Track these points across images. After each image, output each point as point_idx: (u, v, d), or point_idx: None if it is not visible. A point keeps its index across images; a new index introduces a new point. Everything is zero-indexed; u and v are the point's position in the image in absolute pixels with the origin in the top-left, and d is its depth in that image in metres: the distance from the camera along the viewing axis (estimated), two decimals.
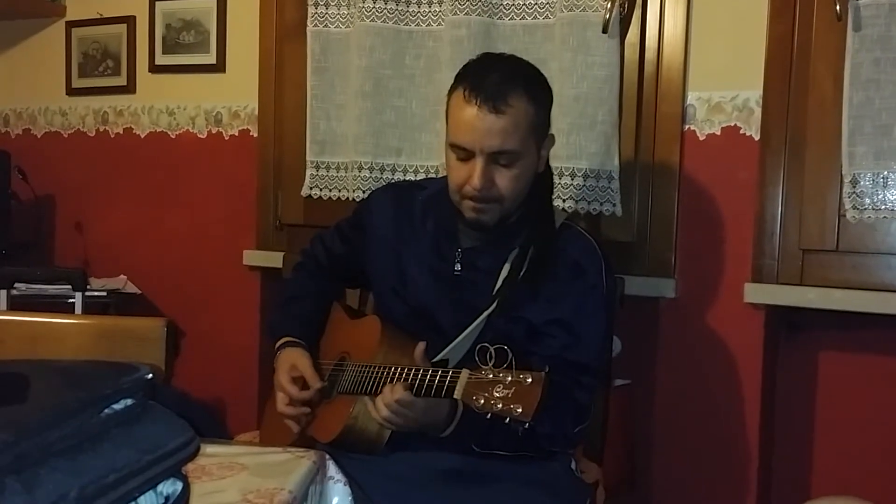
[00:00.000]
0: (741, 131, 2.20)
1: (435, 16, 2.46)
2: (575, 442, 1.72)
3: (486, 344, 1.36)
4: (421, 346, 1.53)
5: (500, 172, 1.59)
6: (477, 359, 1.36)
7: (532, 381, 1.29)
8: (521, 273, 1.64)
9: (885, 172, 2.01)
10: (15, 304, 2.51)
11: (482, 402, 1.32)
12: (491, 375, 1.33)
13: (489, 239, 1.68)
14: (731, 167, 2.21)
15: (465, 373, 1.38)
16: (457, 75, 1.64)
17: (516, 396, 1.29)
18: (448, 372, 1.43)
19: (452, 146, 1.62)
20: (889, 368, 2.14)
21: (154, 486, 0.69)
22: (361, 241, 1.84)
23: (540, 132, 1.63)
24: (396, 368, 1.55)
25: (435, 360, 1.59)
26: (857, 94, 2.00)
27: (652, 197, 2.29)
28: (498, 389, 1.31)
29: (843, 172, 2.04)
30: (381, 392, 1.56)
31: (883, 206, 2.02)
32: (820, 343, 2.22)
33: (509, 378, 1.31)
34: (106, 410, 0.67)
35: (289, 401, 1.71)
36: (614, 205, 2.26)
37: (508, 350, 1.33)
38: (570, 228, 1.73)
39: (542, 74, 1.67)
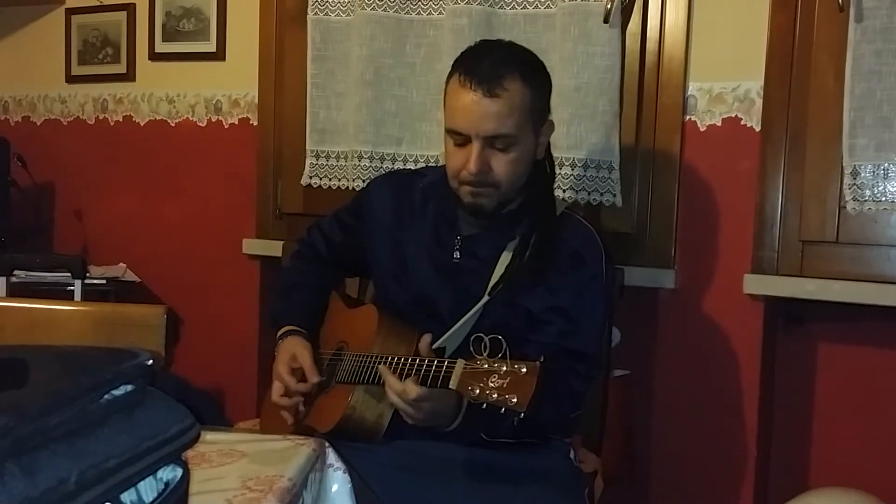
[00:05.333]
0: (742, 122, 2.20)
1: (436, 4, 2.45)
2: (570, 428, 1.73)
3: (480, 334, 1.36)
4: (426, 338, 1.53)
5: (497, 157, 1.59)
6: (472, 349, 1.36)
7: (527, 372, 1.29)
8: (522, 261, 1.64)
9: (886, 164, 2.01)
10: (14, 292, 2.52)
11: (477, 392, 1.32)
12: (486, 366, 1.33)
13: (489, 226, 1.68)
14: (732, 158, 2.21)
15: (460, 363, 1.38)
16: (454, 61, 1.64)
17: (511, 387, 1.29)
18: (444, 362, 1.43)
19: (449, 132, 1.62)
20: (888, 360, 2.14)
21: (154, 472, 0.69)
22: (361, 230, 1.84)
23: (537, 117, 1.63)
24: (393, 358, 1.55)
25: (433, 347, 1.58)
26: (859, 86, 2.00)
27: (652, 188, 2.29)
28: (493, 380, 1.31)
29: (844, 164, 2.04)
30: (380, 383, 1.56)
31: (883, 198, 2.02)
32: (819, 334, 2.22)
33: (504, 368, 1.31)
34: (106, 396, 0.67)
35: (284, 391, 1.71)
36: (614, 195, 2.26)
37: (503, 340, 1.33)
38: (571, 218, 1.73)
39: (538, 60, 1.67)
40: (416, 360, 1.49)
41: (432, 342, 1.58)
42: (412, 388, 1.44)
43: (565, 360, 1.58)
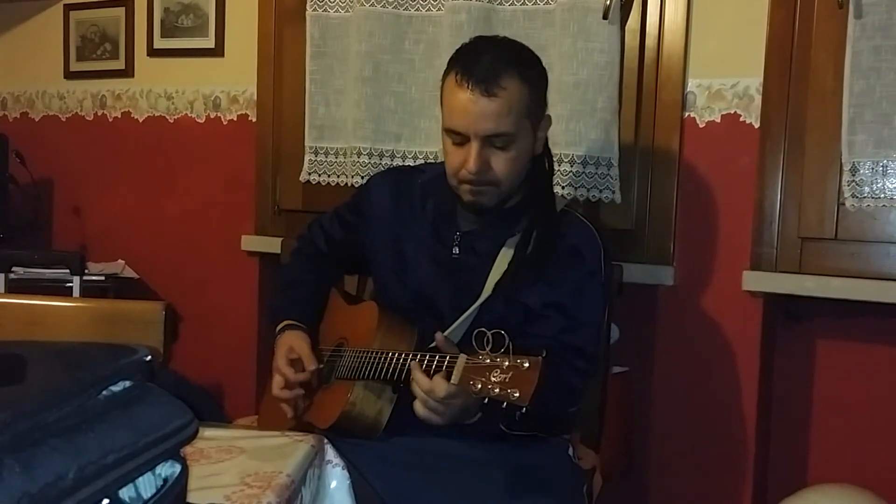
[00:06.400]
0: (741, 119, 2.20)
1: (435, 1, 2.45)
2: (567, 425, 1.73)
3: (483, 329, 1.35)
4: (440, 336, 1.50)
5: (496, 155, 1.59)
6: (474, 343, 1.35)
7: (529, 366, 1.29)
8: (524, 258, 1.64)
9: (885, 161, 2.01)
10: (12, 288, 2.51)
11: (479, 386, 1.32)
12: (488, 360, 1.33)
13: (488, 223, 1.68)
14: (731, 155, 2.21)
15: (462, 358, 1.38)
16: (449, 60, 1.63)
17: (513, 381, 1.29)
18: (445, 357, 1.43)
19: (447, 131, 1.61)
20: (886, 357, 2.14)
21: (152, 468, 0.69)
22: (361, 226, 1.84)
23: (534, 113, 1.63)
24: (394, 354, 1.55)
25: (432, 345, 1.58)
26: (858, 83, 2.00)
27: (651, 184, 2.29)
28: (495, 374, 1.31)
29: (843, 161, 2.04)
30: (380, 379, 1.56)
31: (882, 195, 2.02)
32: (818, 331, 2.22)
33: (507, 363, 1.31)
34: (104, 392, 0.67)
35: (284, 384, 1.70)
36: (613, 192, 2.26)
37: (505, 335, 1.33)
38: (570, 215, 1.73)
39: (534, 55, 1.66)
40: (416, 355, 1.49)
41: (432, 338, 1.58)
42: (441, 386, 1.40)
43: (564, 355, 1.58)
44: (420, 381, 1.44)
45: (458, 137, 1.59)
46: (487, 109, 1.55)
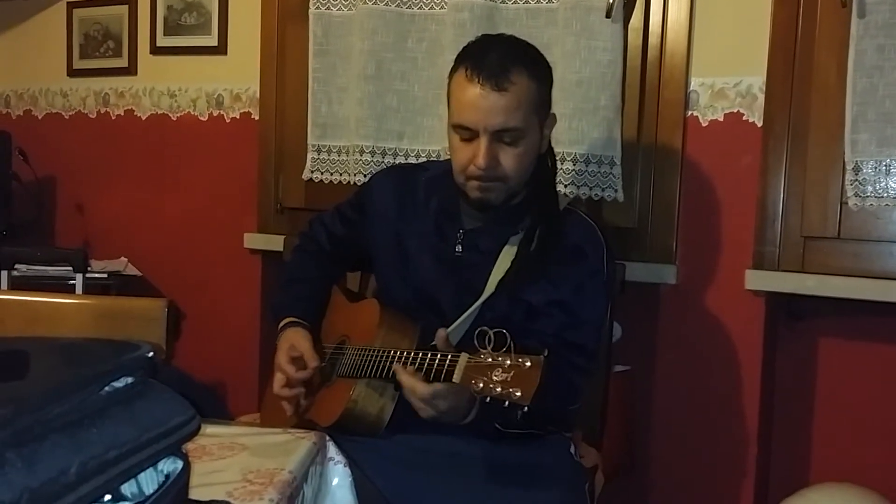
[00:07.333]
0: (744, 117, 2.19)
1: None
2: (568, 422, 1.73)
3: (484, 328, 1.35)
4: (441, 333, 1.50)
5: (505, 151, 1.59)
6: (476, 342, 1.35)
7: (531, 365, 1.29)
8: (528, 256, 1.63)
9: (888, 160, 2.01)
10: (15, 285, 2.52)
11: (481, 385, 1.31)
12: (490, 359, 1.32)
13: (492, 220, 1.68)
14: (734, 153, 2.21)
15: (463, 356, 1.37)
16: (457, 56, 1.64)
17: (515, 380, 1.29)
18: (447, 355, 1.43)
19: (456, 127, 1.61)
20: (888, 356, 2.14)
21: (154, 464, 0.69)
22: (363, 223, 1.84)
23: (542, 110, 1.63)
24: (396, 352, 1.55)
25: (434, 343, 1.58)
26: (861, 81, 2.00)
27: (654, 183, 2.29)
28: (497, 373, 1.30)
29: (846, 160, 2.04)
30: (382, 377, 1.56)
31: (885, 194, 2.02)
32: (820, 330, 2.22)
33: (508, 362, 1.30)
34: (106, 388, 0.67)
35: (285, 382, 1.70)
36: (616, 190, 2.26)
37: (507, 334, 1.33)
38: (573, 213, 1.73)
39: (540, 53, 1.67)
40: (418, 353, 1.49)
41: (433, 336, 1.58)
42: (421, 388, 1.42)
43: (565, 353, 1.58)
44: (403, 381, 1.46)
45: (467, 133, 1.59)
46: (498, 104, 1.55)
